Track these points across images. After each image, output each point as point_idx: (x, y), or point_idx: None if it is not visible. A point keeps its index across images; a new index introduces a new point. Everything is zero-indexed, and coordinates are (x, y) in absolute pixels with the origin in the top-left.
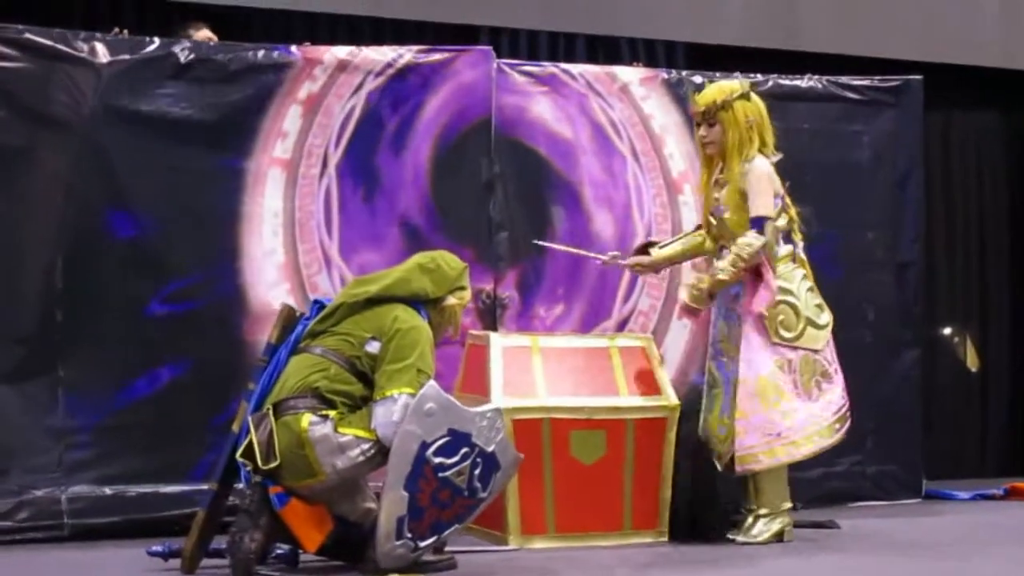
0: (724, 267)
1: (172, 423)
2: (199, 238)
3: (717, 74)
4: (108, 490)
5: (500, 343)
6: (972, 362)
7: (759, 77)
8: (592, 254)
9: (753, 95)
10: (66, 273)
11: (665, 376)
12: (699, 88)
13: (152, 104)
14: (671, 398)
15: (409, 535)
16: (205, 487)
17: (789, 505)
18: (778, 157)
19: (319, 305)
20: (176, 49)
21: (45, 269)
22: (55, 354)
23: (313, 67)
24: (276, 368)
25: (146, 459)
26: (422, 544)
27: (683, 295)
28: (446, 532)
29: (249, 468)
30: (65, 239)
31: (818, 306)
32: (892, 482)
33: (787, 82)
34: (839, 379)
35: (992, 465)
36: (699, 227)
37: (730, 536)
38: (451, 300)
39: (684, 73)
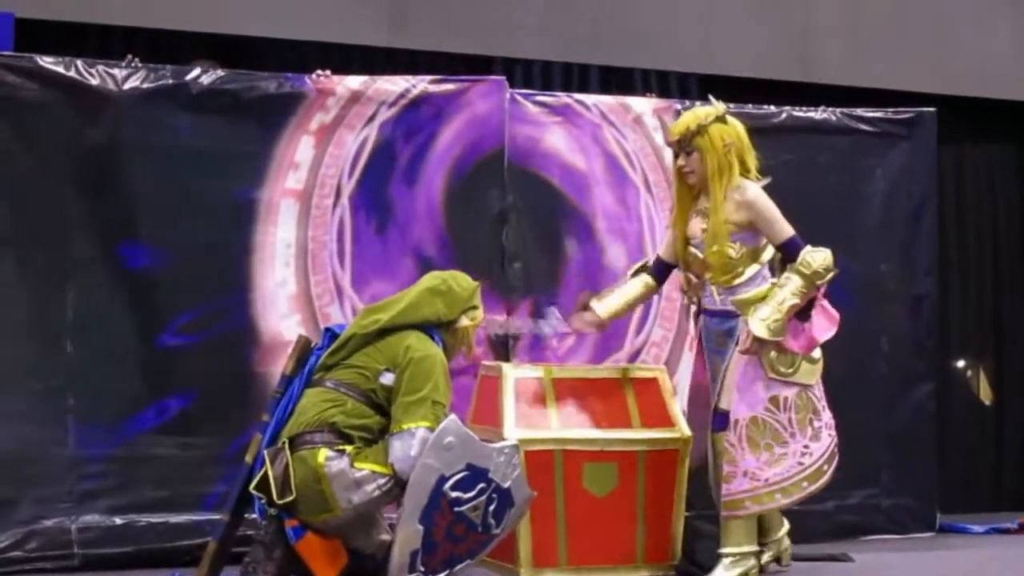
0: (796, 290)
1: (182, 454)
2: (210, 269)
3: (731, 105)
4: (119, 520)
5: (513, 374)
6: (985, 395)
7: (772, 109)
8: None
9: (730, 118)
10: (76, 304)
11: (678, 408)
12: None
13: (164, 133)
14: (683, 430)
15: (422, 569)
16: (216, 517)
17: (755, 548)
18: (765, 181)
19: (331, 334)
20: (189, 78)
21: (55, 299)
22: (65, 384)
23: (326, 98)
24: (290, 400)
25: (157, 489)
26: None
27: (758, 331)
28: (458, 567)
29: (264, 501)
30: (76, 269)
31: None
32: (906, 515)
33: (800, 114)
34: (827, 416)
35: (1007, 498)
36: (637, 271)
37: None
38: (464, 321)
39: (698, 104)
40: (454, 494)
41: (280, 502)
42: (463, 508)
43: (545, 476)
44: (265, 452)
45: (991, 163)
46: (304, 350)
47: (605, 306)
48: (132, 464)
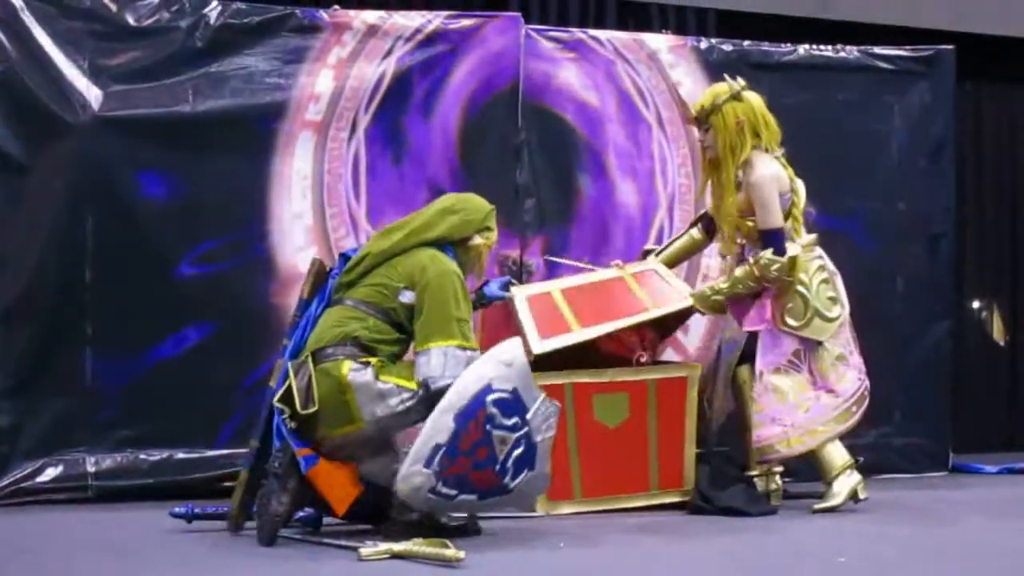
0: (742, 279)
1: (199, 386)
2: (229, 199)
3: (746, 43)
4: (133, 452)
5: (522, 294)
6: (1000, 334)
7: (789, 46)
8: (591, 267)
9: (745, 93)
10: (96, 233)
11: (681, 283)
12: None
13: (183, 64)
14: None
15: (437, 469)
16: (228, 452)
17: (851, 461)
18: (779, 152)
19: (345, 258)
20: (207, 11)
21: (75, 228)
22: (84, 314)
23: (342, 32)
24: (308, 322)
25: (172, 422)
26: (441, 488)
27: (696, 300)
28: (461, 499)
29: (286, 415)
30: (96, 199)
31: (831, 299)
32: (919, 454)
33: (818, 52)
34: (855, 360)
35: (1021, 438)
36: (693, 224)
37: (813, 507)
38: (477, 240)
39: (714, 41)
40: (493, 409)
41: (303, 413)
42: (494, 430)
43: None
44: (289, 365)
45: (1009, 101)
46: (319, 274)
47: (658, 257)
48: (148, 395)
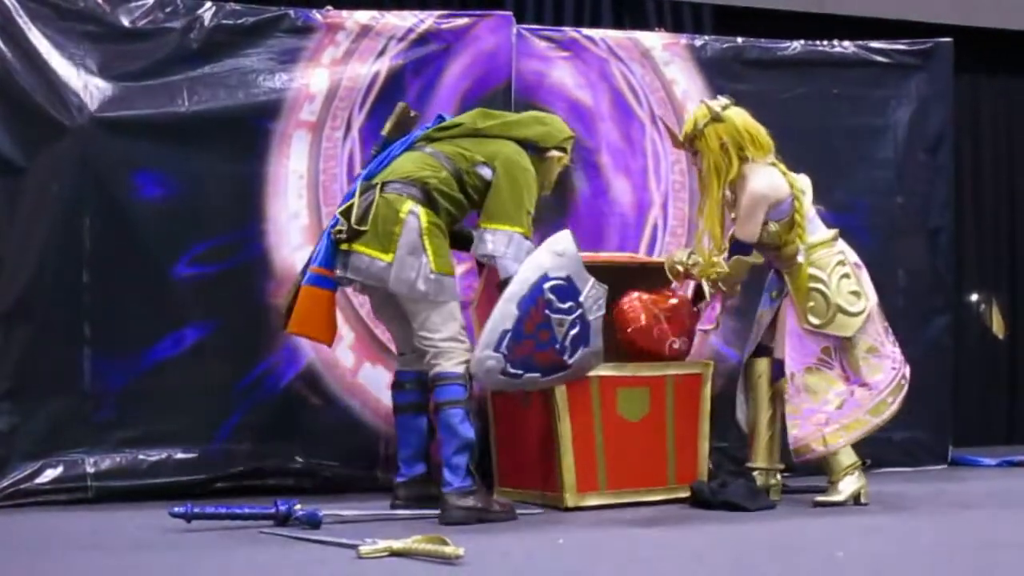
0: (703, 266)
1: (197, 386)
2: (225, 199)
3: (740, 39)
4: (132, 453)
5: None
6: (999, 328)
7: (786, 41)
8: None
9: (727, 112)
10: (93, 234)
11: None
12: None
13: (178, 65)
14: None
15: (505, 352)
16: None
17: (857, 462)
18: (770, 158)
19: (440, 118)
20: (201, 12)
21: (73, 229)
22: (82, 315)
23: (336, 32)
24: (387, 157)
25: (170, 422)
26: (509, 369)
27: (665, 259)
28: (528, 377)
29: (343, 228)
30: (93, 200)
31: (854, 293)
32: (918, 448)
33: (815, 47)
34: (887, 350)
35: (1020, 431)
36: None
37: (816, 500)
38: (554, 154)
39: (708, 38)
40: (550, 295)
41: (356, 228)
42: (553, 314)
43: (583, 403)
44: (358, 184)
45: (1008, 94)
46: (402, 115)
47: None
48: (147, 396)
